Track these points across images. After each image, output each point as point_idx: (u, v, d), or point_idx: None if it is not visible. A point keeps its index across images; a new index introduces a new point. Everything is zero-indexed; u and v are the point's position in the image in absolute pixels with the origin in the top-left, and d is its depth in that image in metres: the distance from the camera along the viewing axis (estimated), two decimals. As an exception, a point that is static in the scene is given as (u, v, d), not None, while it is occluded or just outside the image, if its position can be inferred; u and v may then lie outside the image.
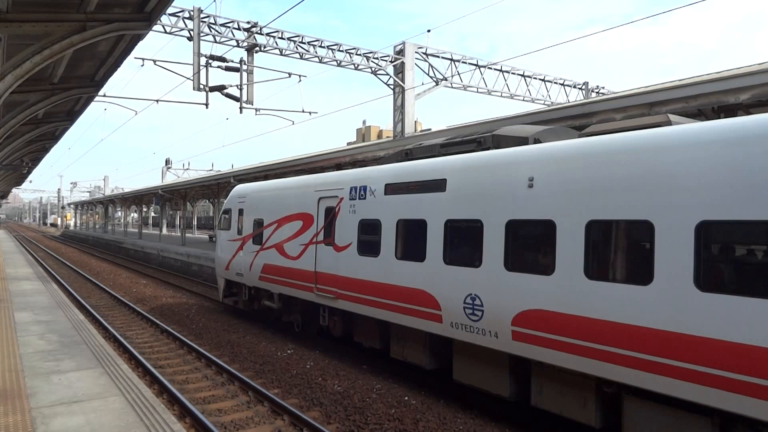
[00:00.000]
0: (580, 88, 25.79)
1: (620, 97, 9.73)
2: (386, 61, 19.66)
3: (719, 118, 9.27)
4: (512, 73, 22.94)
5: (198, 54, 15.84)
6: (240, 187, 15.11)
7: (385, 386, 9.03)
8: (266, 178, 25.53)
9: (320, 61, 18.81)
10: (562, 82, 24.99)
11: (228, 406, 8.31)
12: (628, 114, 9.51)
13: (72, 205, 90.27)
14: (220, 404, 8.39)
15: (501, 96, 22.76)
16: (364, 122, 77.91)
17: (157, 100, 19.40)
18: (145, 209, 66.47)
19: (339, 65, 19.16)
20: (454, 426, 7.37)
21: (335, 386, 9.03)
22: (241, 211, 14.35)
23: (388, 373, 9.89)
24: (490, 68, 22.09)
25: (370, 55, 19.41)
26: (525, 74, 23.43)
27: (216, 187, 32.95)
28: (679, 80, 10.72)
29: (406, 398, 8.43)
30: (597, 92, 25.98)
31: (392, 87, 19.66)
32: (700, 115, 9.81)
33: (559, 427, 7.34)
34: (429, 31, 19.82)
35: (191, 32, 16.07)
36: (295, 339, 12.66)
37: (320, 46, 18.75)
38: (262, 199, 13.45)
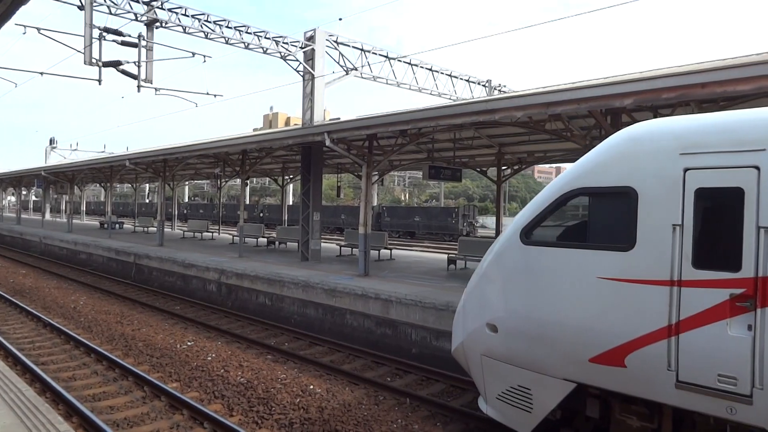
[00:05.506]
0: (483, 85, 26.90)
1: (520, 96, 10.21)
2: (296, 46, 19.30)
3: (606, 120, 10.08)
4: (420, 67, 23.42)
5: (90, 25, 14.62)
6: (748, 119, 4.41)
7: (290, 376, 8.96)
8: (165, 162, 23.92)
9: (227, 42, 18.08)
10: (467, 78, 25.91)
11: (121, 403, 7.84)
12: (528, 112, 10.02)
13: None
14: (111, 401, 7.89)
15: (410, 89, 23.17)
16: (271, 108, 75.66)
17: (42, 73, 17.76)
18: (24, 192, 60.48)
19: (247, 48, 18.52)
20: (359, 412, 7.48)
21: (238, 377, 8.82)
22: None
23: (292, 363, 9.81)
24: (400, 61, 22.41)
25: (279, 39, 18.95)
26: (432, 69, 24.01)
27: (109, 170, 30.69)
28: (572, 83, 11.49)
29: (311, 387, 8.42)
30: (499, 90, 27.23)
31: (302, 74, 19.34)
32: (589, 116, 10.58)
33: (453, 416, 7.69)
34: (341, 19, 20.04)
35: (82, 0, 14.79)
36: (196, 330, 12.17)
37: (227, 27, 18.02)
38: None
